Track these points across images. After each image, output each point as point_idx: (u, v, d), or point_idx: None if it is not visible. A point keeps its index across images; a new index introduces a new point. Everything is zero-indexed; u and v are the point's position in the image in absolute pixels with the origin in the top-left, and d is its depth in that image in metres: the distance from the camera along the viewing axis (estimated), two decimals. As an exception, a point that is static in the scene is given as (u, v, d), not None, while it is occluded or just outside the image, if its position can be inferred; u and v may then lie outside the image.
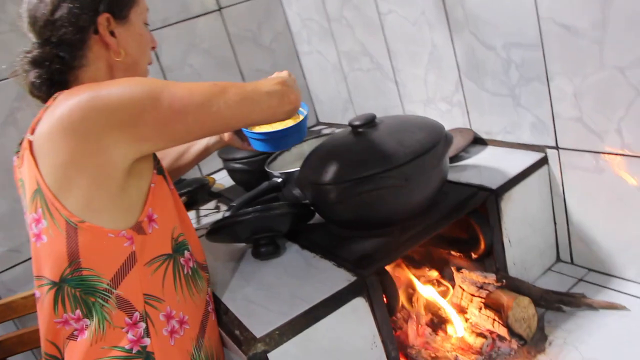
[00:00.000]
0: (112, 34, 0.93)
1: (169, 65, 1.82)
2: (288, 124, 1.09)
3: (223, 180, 1.76)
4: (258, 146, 1.16)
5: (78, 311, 0.86)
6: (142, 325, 0.88)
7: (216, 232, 1.13)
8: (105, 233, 0.84)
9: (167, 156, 1.31)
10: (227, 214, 1.23)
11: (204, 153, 1.31)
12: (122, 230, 0.85)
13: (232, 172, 1.58)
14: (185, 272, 0.95)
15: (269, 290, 1.04)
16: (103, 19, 0.91)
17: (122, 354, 0.86)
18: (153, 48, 1.05)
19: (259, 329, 0.92)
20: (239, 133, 1.23)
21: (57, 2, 0.89)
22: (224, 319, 1.02)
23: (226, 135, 1.24)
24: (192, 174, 1.88)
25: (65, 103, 0.82)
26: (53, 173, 0.82)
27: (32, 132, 0.85)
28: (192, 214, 1.61)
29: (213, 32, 1.88)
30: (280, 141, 1.15)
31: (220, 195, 1.66)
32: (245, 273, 1.13)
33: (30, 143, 0.85)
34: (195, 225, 1.50)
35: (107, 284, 0.85)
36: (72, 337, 0.87)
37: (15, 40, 1.52)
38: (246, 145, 1.23)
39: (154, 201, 0.90)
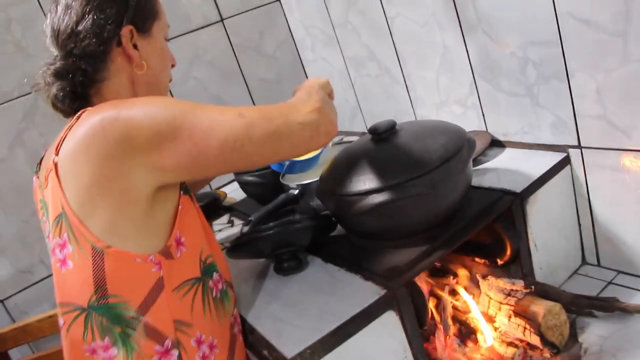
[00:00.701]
0: (134, 46, 0.91)
1: (174, 78, 1.77)
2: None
3: (234, 193, 1.73)
4: (273, 165, 1.16)
5: (107, 339, 0.82)
6: (175, 353, 0.84)
7: (237, 249, 1.10)
8: (133, 258, 0.81)
9: None
10: (245, 229, 1.20)
11: None
12: (150, 255, 0.82)
13: (244, 185, 1.54)
14: (214, 294, 0.92)
15: (295, 306, 1.01)
16: (127, 31, 0.90)
17: None
18: (172, 66, 1.03)
19: (289, 348, 0.88)
20: None
21: (82, 13, 0.87)
22: (250, 339, 0.98)
23: None
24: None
25: (88, 122, 0.79)
26: (77, 196, 0.79)
27: (57, 153, 0.82)
28: (204, 230, 1.57)
29: (216, 43, 1.85)
30: (296, 167, 1.17)
31: (233, 210, 1.63)
32: (268, 290, 1.10)
33: (56, 165, 0.81)
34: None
35: (135, 311, 0.82)
36: None
37: (21, 61, 1.50)
38: None
39: (181, 224, 0.87)
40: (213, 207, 1.64)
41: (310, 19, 1.86)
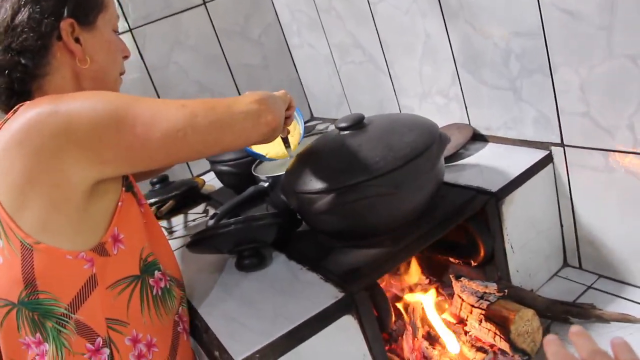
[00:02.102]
0: (77, 40, 0.86)
1: (154, 64, 1.74)
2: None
3: (213, 181, 1.69)
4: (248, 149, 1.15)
5: (38, 335, 0.80)
6: (106, 351, 0.82)
7: (197, 244, 1.06)
8: (63, 255, 0.78)
9: None
10: (211, 222, 1.16)
11: None
12: (81, 252, 0.79)
13: (219, 175, 1.51)
14: (155, 293, 0.89)
15: (251, 306, 0.97)
16: (66, 24, 0.85)
17: None
18: (126, 57, 0.98)
19: (238, 351, 0.85)
20: None
21: (18, 7, 0.82)
22: (205, 338, 0.94)
23: None
24: (182, 174, 1.81)
25: (23, 116, 0.75)
26: (8, 191, 0.76)
27: None
28: (180, 219, 1.54)
29: (198, 27, 1.80)
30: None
31: (210, 199, 1.59)
32: (228, 286, 1.06)
33: None
34: (182, 232, 1.44)
35: (65, 309, 0.79)
36: None
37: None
38: None
39: (120, 220, 0.83)
40: (191, 195, 1.60)
41: (296, 2, 1.80)
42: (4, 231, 0.77)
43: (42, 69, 0.85)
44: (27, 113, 0.76)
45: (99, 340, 0.81)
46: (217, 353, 0.88)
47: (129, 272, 0.85)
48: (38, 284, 0.78)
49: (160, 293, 0.90)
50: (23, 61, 0.83)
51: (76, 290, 0.79)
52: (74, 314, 0.80)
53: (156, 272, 0.90)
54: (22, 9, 0.82)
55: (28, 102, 0.80)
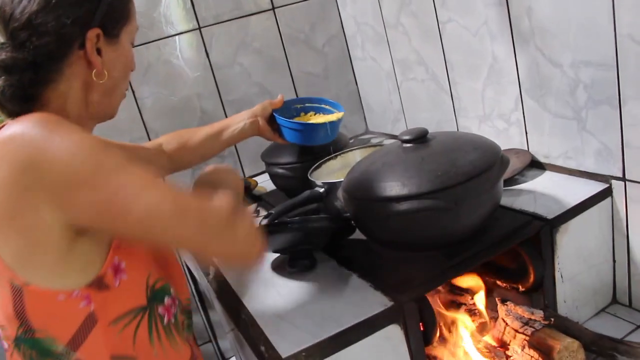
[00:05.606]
0: (98, 51, 0.79)
1: (219, 62, 1.80)
2: (328, 119, 1.20)
3: (265, 183, 1.72)
4: (289, 136, 1.16)
5: None
6: None
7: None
8: (55, 295, 0.71)
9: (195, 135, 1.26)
10: (265, 221, 1.19)
11: (235, 139, 1.26)
12: (75, 290, 0.72)
13: (274, 177, 1.53)
14: (166, 321, 0.83)
15: (300, 306, 0.99)
16: (93, 34, 0.77)
17: None
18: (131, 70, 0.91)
19: (285, 348, 0.87)
20: (271, 123, 1.20)
21: (45, 4, 0.74)
22: (250, 332, 0.97)
23: (260, 123, 1.22)
24: (234, 174, 1.85)
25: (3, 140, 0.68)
26: None
27: None
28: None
29: (265, 31, 1.85)
30: (312, 135, 1.18)
31: (262, 200, 1.62)
32: (278, 285, 1.08)
33: None
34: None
35: (64, 347, 0.73)
36: None
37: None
38: (277, 137, 1.20)
39: (120, 249, 0.76)
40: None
41: (363, 15, 1.83)
42: None
43: (52, 75, 0.77)
44: (4, 135, 0.68)
45: None
46: (263, 348, 0.90)
47: (135, 304, 0.78)
48: (33, 323, 0.72)
49: (173, 320, 0.85)
50: (39, 62, 0.75)
51: (74, 330, 0.73)
52: (74, 352, 0.74)
53: (166, 298, 0.84)
54: (50, 8, 0.74)
55: (12, 121, 0.71)
